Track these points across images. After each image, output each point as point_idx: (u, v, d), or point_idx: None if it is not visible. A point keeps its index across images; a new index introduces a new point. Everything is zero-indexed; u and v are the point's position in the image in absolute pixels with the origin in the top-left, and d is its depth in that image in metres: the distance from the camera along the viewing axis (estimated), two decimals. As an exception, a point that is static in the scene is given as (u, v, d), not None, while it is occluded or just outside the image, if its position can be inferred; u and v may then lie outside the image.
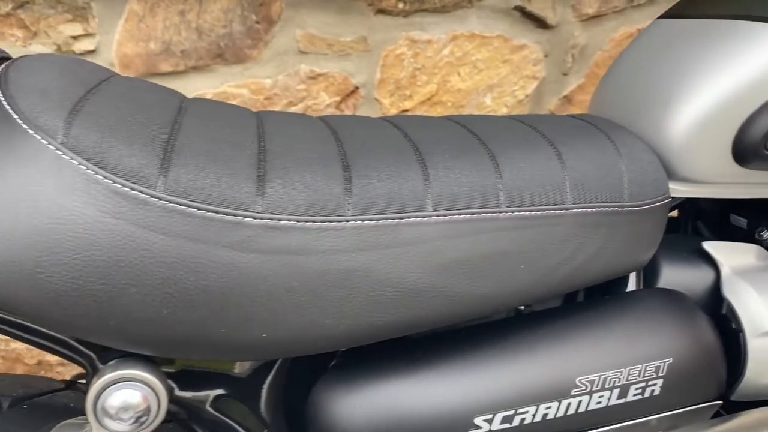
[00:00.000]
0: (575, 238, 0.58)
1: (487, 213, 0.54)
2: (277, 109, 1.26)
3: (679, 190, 0.66)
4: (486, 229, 0.54)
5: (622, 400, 0.59)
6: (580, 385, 0.57)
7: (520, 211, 0.56)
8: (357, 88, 1.30)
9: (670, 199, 0.65)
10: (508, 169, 0.57)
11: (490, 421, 0.55)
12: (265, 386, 0.58)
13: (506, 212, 0.55)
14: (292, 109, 1.27)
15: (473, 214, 0.54)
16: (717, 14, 0.68)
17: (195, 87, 1.21)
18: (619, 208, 0.60)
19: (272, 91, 1.25)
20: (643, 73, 0.71)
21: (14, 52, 1.13)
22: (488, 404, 0.55)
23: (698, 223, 0.82)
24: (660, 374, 0.60)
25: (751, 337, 0.65)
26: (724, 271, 0.69)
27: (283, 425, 0.59)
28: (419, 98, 1.34)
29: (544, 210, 0.56)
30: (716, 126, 0.64)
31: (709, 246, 0.70)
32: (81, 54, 1.14)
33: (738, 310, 0.66)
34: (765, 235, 0.73)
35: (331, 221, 0.49)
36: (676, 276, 0.71)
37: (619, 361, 0.59)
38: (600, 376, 0.58)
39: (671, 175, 0.66)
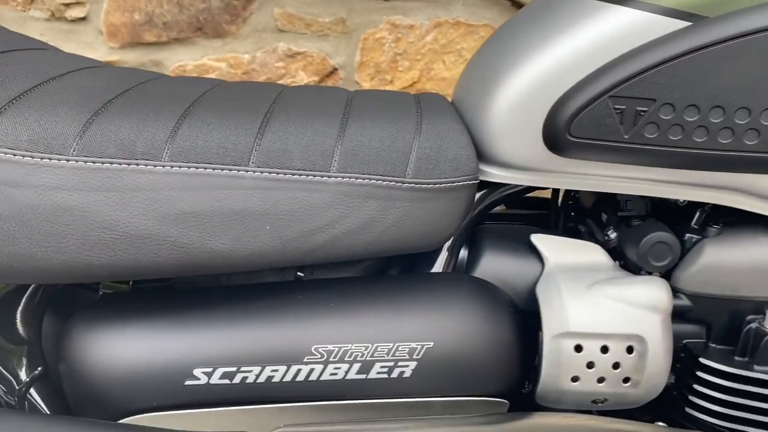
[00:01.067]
0: (336, 207, 0.57)
1: (230, 170, 0.55)
2: (255, 84, 1.30)
3: (494, 174, 0.63)
4: (227, 185, 0.55)
5: (362, 376, 0.57)
6: (316, 353, 0.56)
7: (270, 173, 0.56)
8: (336, 69, 1.31)
9: (476, 181, 0.61)
10: (272, 131, 0.57)
11: (209, 375, 0.55)
12: (19, 311, 0.62)
13: (253, 171, 0.55)
14: (271, 86, 1.30)
15: (213, 169, 0.54)
16: None
17: (178, 58, 1.28)
18: (396, 182, 0.58)
19: (250, 66, 1.29)
20: (489, 55, 0.67)
21: (15, 16, 1.25)
22: (209, 358, 0.55)
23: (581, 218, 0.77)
24: (414, 357, 0.57)
25: (548, 338, 0.61)
26: (547, 266, 0.65)
27: (39, 348, 0.63)
28: (400, 84, 1.33)
29: (300, 174, 0.56)
30: (527, 109, 0.60)
31: (537, 239, 0.66)
32: (72, 21, 1.24)
33: (542, 307, 0.62)
34: (611, 236, 0.67)
35: (50, 159, 0.52)
36: (495, 265, 0.67)
37: (364, 336, 0.57)
38: (339, 347, 0.56)
39: (489, 158, 0.63)
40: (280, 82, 1.31)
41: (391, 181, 0.58)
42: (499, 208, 0.78)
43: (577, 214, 0.75)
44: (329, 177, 0.57)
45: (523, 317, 0.64)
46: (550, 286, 0.63)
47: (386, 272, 0.68)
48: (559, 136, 0.59)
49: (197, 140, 0.55)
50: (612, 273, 0.64)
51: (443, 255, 0.67)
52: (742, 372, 0.61)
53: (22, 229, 0.52)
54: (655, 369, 0.61)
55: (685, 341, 0.65)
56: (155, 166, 0.53)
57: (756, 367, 0.61)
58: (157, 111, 0.56)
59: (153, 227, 0.54)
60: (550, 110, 0.59)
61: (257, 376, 0.56)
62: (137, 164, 0.53)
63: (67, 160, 0.52)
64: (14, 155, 0.51)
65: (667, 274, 0.65)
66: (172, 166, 0.54)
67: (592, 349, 0.61)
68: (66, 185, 0.52)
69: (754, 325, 0.62)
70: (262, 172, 0.55)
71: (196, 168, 0.54)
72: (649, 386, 0.62)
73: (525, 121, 0.60)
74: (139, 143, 0.53)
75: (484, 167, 0.63)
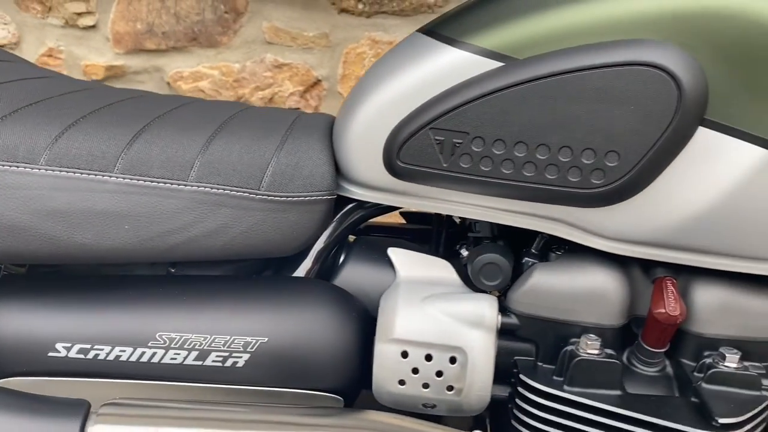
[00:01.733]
0: (191, 213, 0.65)
1: (96, 175, 0.64)
2: (245, 91, 1.40)
3: (353, 191, 0.69)
4: (92, 188, 0.64)
5: (199, 363, 0.65)
6: (159, 339, 0.65)
7: (131, 179, 0.64)
8: (319, 80, 1.39)
9: (332, 197, 0.68)
10: (142, 142, 0.65)
11: (68, 349, 0.64)
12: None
13: (116, 177, 0.64)
14: (260, 94, 1.40)
15: (82, 173, 0.64)
16: (424, 29, 0.69)
17: (176, 65, 1.40)
18: (250, 194, 0.66)
19: (240, 74, 1.39)
20: (358, 84, 0.73)
21: (36, 23, 1.40)
22: (68, 335, 0.65)
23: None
24: (248, 350, 0.65)
25: (379, 342, 0.67)
26: (397, 278, 0.71)
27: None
28: (380, 96, 1.39)
29: (158, 182, 0.65)
30: (371, 135, 0.65)
31: (392, 252, 0.72)
32: (84, 28, 1.38)
33: (379, 315, 0.68)
34: (463, 252, 0.72)
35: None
36: (353, 274, 0.73)
37: (204, 328, 0.65)
38: (181, 336, 0.65)
39: (347, 177, 0.69)
40: (267, 91, 1.40)
41: (244, 192, 0.66)
42: (391, 220, 0.84)
43: (452, 232, 0.80)
44: (185, 185, 0.65)
45: (372, 323, 0.70)
46: (390, 296, 0.69)
47: (255, 274, 0.75)
48: (393, 161, 0.64)
49: (72, 148, 0.64)
50: (453, 289, 0.69)
51: (308, 261, 0.73)
52: (554, 391, 0.64)
53: None
54: (475, 380, 0.66)
55: (515, 358, 0.69)
56: (32, 168, 0.63)
57: (566, 388, 0.64)
58: (47, 121, 0.66)
59: (27, 221, 0.63)
60: (387, 138, 0.64)
61: (107, 354, 0.64)
62: (17, 166, 0.63)
63: (-42, 160, 0.63)
64: None
65: (505, 294, 0.69)
66: (47, 169, 0.63)
67: (417, 356, 0.66)
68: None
69: (570, 347, 0.65)
70: (124, 178, 0.64)
71: (67, 172, 0.64)
72: (473, 396, 0.66)
73: (370, 146, 0.66)
74: (21, 148, 0.63)
75: (345, 185, 0.70)
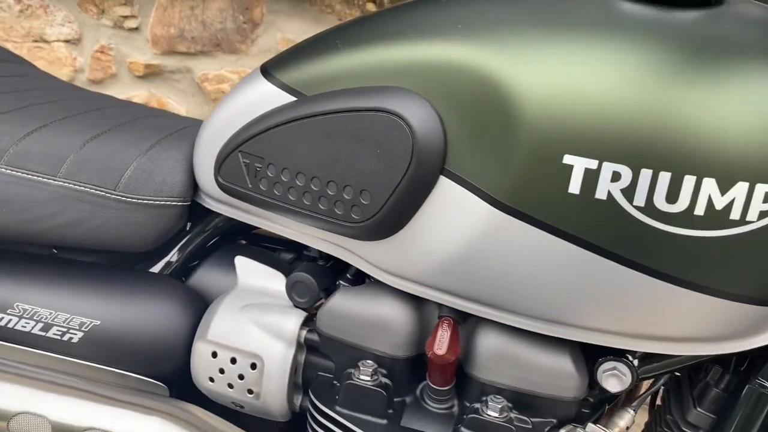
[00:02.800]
0: (55, 204, 0.75)
1: (-10, 166, 0.76)
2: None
3: (206, 201, 0.76)
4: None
5: (42, 333, 0.75)
6: (15, 308, 0.75)
7: (11, 170, 0.75)
8: (326, 91, 1.46)
9: (184, 203, 0.75)
10: (31, 139, 0.76)
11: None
12: None
13: (4, 169, 0.76)
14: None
15: (-21, 164, 0.76)
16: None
17: (203, 67, 1.53)
18: (106, 193, 0.75)
19: (256, 80, 1.49)
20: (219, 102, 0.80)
21: (92, 23, 1.58)
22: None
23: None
24: (82, 329, 0.74)
25: (196, 339, 0.73)
26: (236, 284, 0.77)
27: None
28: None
29: (32, 174, 0.75)
30: (207, 154, 0.72)
31: (238, 261, 0.78)
32: (129, 29, 1.55)
33: (204, 314, 0.75)
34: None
35: None
36: (205, 276, 0.80)
37: (51, 304, 0.75)
38: (32, 308, 0.75)
39: (199, 187, 0.76)
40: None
41: (101, 191, 0.75)
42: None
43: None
44: (54, 180, 0.75)
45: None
46: (219, 299, 0.75)
47: (126, 265, 0.84)
48: (217, 177, 0.71)
49: None
50: (277, 301, 0.74)
51: (168, 258, 0.81)
52: (327, 410, 0.67)
53: None
54: (270, 388, 0.71)
55: (318, 373, 0.72)
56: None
57: (338, 408, 0.67)
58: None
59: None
60: (216, 155, 0.71)
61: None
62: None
63: None
64: None
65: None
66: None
67: (224, 357, 0.72)
68: None
69: (351, 370, 0.68)
70: (6, 169, 0.76)
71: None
72: (270, 402, 0.71)
73: (207, 161, 0.72)
74: None
75: (203, 194, 0.77)
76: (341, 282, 0.72)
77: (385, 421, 0.66)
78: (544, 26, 0.55)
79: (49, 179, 0.75)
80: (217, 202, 0.75)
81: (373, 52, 0.60)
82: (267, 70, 0.68)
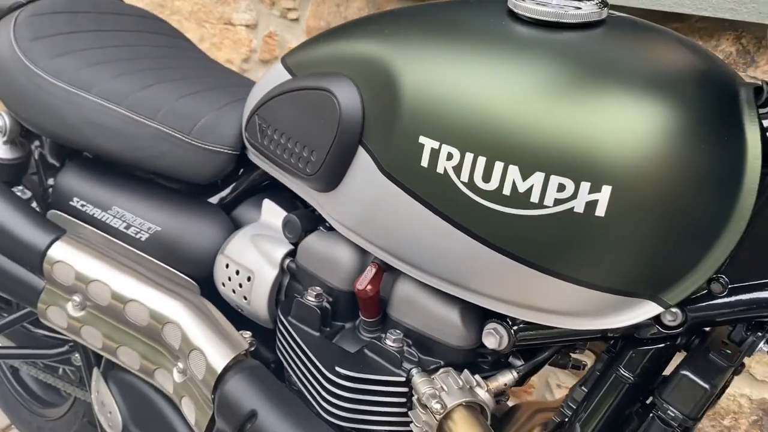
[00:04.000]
0: (149, 140, 1.03)
1: (112, 106, 1.06)
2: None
3: (248, 152, 1.00)
4: (108, 113, 1.06)
5: (124, 230, 1.03)
6: (113, 210, 1.05)
7: (127, 113, 1.05)
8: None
9: (234, 152, 0.99)
10: (147, 90, 1.05)
11: (84, 205, 1.09)
12: None
13: (123, 111, 1.05)
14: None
15: (106, 103, 1.07)
16: None
17: (342, 56, 1.78)
18: (182, 136, 1.01)
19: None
20: None
21: (266, 11, 1.92)
22: (84, 194, 1.09)
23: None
24: (149, 231, 1.01)
25: (219, 253, 0.97)
26: (260, 219, 1.00)
27: None
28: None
29: (139, 117, 1.04)
30: (245, 114, 0.95)
31: (264, 203, 1.00)
32: (291, 20, 1.85)
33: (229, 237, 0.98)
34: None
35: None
36: (242, 212, 1.04)
37: (135, 212, 1.03)
38: (123, 211, 1.04)
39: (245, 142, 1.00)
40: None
41: (178, 134, 1.02)
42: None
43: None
44: (151, 122, 1.03)
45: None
46: (242, 228, 0.98)
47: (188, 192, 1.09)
48: (244, 134, 0.94)
49: (113, 86, 1.07)
50: (279, 236, 0.95)
51: (222, 193, 1.06)
52: (282, 317, 0.87)
53: None
54: (258, 298, 0.92)
55: (294, 294, 0.92)
56: (86, 94, 1.08)
57: (288, 318, 0.86)
58: (118, 70, 1.10)
59: (77, 123, 1.09)
60: (247, 118, 0.94)
61: (93, 211, 1.08)
62: (81, 92, 1.09)
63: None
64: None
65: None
66: (94, 98, 1.08)
67: (232, 269, 0.95)
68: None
69: (304, 292, 0.86)
70: (125, 111, 1.05)
71: (100, 101, 1.07)
72: (256, 309, 0.93)
73: (237, 123, 0.96)
74: (89, 82, 1.09)
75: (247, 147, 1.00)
76: (321, 227, 0.91)
77: (318, 334, 0.84)
78: (439, 35, 0.69)
79: (148, 121, 1.03)
80: (251, 153, 0.97)
81: (338, 45, 0.78)
82: (284, 55, 0.89)
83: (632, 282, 0.63)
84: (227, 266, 0.96)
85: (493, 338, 0.74)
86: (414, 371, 0.77)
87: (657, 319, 0.67)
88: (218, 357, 0.87)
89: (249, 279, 0.93)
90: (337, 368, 0.77)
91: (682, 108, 0.60)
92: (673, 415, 0.66)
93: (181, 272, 1.02)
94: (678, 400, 0.66)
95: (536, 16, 0.65)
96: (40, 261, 1.01)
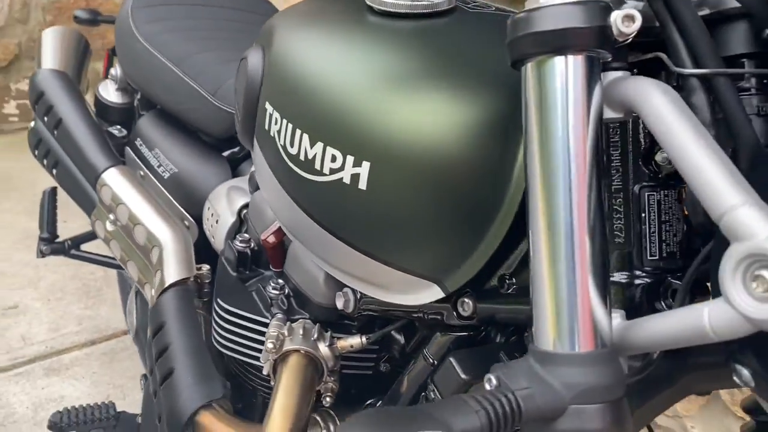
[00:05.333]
0: (187, 97, 1.23)
1: (176, 66, 1.27)
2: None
3: None
4: (170, 73, 1.28)
5: (156, 167, 1.24)
6: (154, 150, 1.26)
7: (178, 71, 1.25)
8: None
9: None
10: (199, 56, 1.25)
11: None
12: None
13: (175, 69, 1.26)
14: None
15: (171, 63, 1.28)
16: None
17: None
18: (208, 95, 1.19)
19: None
20: None
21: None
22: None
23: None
24: (170, 171, 1.21)
25: (207, 199, 1.13)
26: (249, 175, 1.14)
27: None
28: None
29: (185, 77, 1.24)
30: None
31: (256, 160, 1.14)
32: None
33: (219, 185, 1.14)
34: None
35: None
36: (244, 166, 1.19)
37: (166, 153, 1.23)
38: (160, 152, 1.25)
39: None
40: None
41: (207, 94, 1.20)
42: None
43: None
44: (192, 82, 1.23)
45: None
46: (229, 181, 1.14)
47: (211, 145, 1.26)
48: None
49: (192, 56, 1.29)
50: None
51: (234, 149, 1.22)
52: (221, 255, 1.00)
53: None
54: (218, 238, 1.06)
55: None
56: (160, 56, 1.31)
57: (224, 255, 0.98)
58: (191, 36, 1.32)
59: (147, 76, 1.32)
60: None
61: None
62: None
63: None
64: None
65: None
66: (165, 60, 1.30)
67: (209, 212, 1.11)
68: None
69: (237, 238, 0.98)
70: (176, 70, 1.26)
71: (167, 62, 1.29)
72: (218, 248, 1.07)
73: None
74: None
75: None
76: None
77: (234, 274, 0.96)
78: (309, 16, 0.76)
79: (191, 81, 1.23)
80: None
81: (269, 21, 0.88)
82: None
83: (416, 263, 0.67)
84: (208, 209, 1.12)
85: (342, 300, 0.81)
86: (278, 315, 0.86)
87: (455, 307, 0.69)
88: (168, 277, 1.03)
89: (217, 221, 1.08)
90: (219, 299, 0.89)
91: (465, 102, 0.62)
92: (433, 397, 0.68)
93: (185, 209, 1.21)
94: (441, 383, 0.68)
95: (380, 7, 0.70)
96: (95, 181, 1.26)
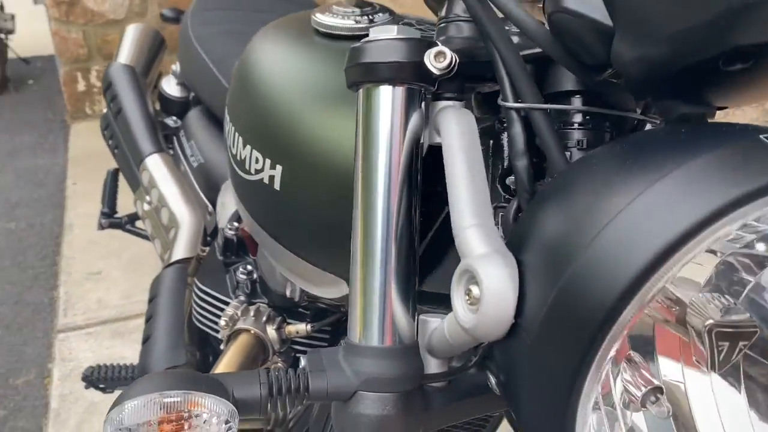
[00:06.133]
0: (221, 93, 1.35)
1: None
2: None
3: None
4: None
5: (190, 155, 1.37)
6: (183, 135, 1.39)
7: (218, 74, 1.38)
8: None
9: None
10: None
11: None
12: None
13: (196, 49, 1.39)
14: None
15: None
16: None
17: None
18: (235, 96, 1.31)
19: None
20: None
21: None
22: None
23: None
24: (198, 160, 1.34)
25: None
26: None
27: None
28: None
29: (219, 74, 1.37)
30: None
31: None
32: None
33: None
34: None
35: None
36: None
37: (197, 142, 1.36)
38: (192, 141, 1.38)
39: None
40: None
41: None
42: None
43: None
44: (222, 78, 1.35)
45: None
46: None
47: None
48: None
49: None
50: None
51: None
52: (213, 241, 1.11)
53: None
54: (222, 224, 1.18)
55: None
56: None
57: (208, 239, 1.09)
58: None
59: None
60: None
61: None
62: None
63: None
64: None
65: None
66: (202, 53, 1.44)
67: (220, 201, 1.22)
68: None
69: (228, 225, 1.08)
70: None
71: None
72: (222, 233, 1.19)
73: None
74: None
75: None
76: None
77: (221, 258, 1.07)
78: (271, 38, 0.84)
79: (222, 77, 1.36)
80: None
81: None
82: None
83: (323, 260, 0.73)
84: (219, 198, 1.24)
85: (289, 289, 0.89)
86: (241, 298, 0.96)
87: None
88: (174, 255, 1.16)
89: (222, 208, 1.20)
90: (197, 279, 1.00)
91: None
92: None
93: (208, 197, 1.33)
94: None
95: (324, 30, 0.78)
96: (139, 164, 1.42)
